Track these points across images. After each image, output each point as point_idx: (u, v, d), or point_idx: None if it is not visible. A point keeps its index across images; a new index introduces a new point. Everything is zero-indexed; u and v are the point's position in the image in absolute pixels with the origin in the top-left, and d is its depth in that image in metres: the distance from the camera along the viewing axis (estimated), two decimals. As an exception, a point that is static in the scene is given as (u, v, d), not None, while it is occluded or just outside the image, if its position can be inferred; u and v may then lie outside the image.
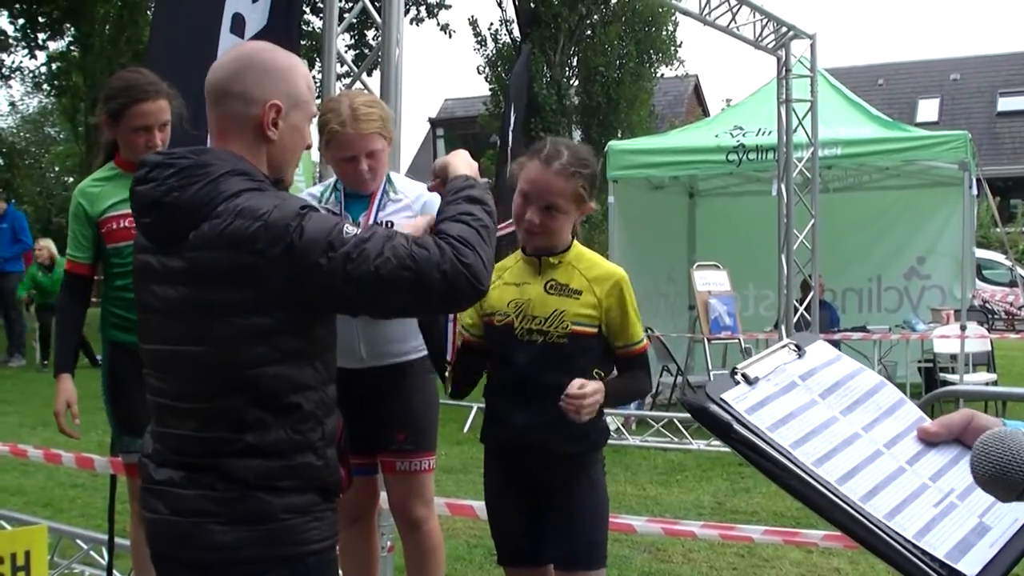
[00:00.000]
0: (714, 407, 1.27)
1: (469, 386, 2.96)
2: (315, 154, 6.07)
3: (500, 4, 22.55)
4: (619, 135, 19.99)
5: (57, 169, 37.25)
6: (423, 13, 22.11)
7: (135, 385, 2.53)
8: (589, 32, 21.83)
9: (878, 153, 9.78)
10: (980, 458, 1.17)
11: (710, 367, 8.90)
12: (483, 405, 2.89)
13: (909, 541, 1.18)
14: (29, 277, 12.77)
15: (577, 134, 21.85)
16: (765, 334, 9.78)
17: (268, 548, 1.92)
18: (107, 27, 20.92)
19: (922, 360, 10.04)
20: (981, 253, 17.17)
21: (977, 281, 16.60)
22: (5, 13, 20.70)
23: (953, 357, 9.56)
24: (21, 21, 21.09)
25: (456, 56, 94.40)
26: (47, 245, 12.88)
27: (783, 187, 8.86)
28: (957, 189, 10.20)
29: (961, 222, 10.13)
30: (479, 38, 22.85)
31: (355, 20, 12.73)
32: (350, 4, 14.20)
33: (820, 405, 1.34)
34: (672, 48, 22.94)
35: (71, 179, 33.60)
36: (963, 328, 9.30)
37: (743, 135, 10.01)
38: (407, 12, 20.30)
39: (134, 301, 2.12)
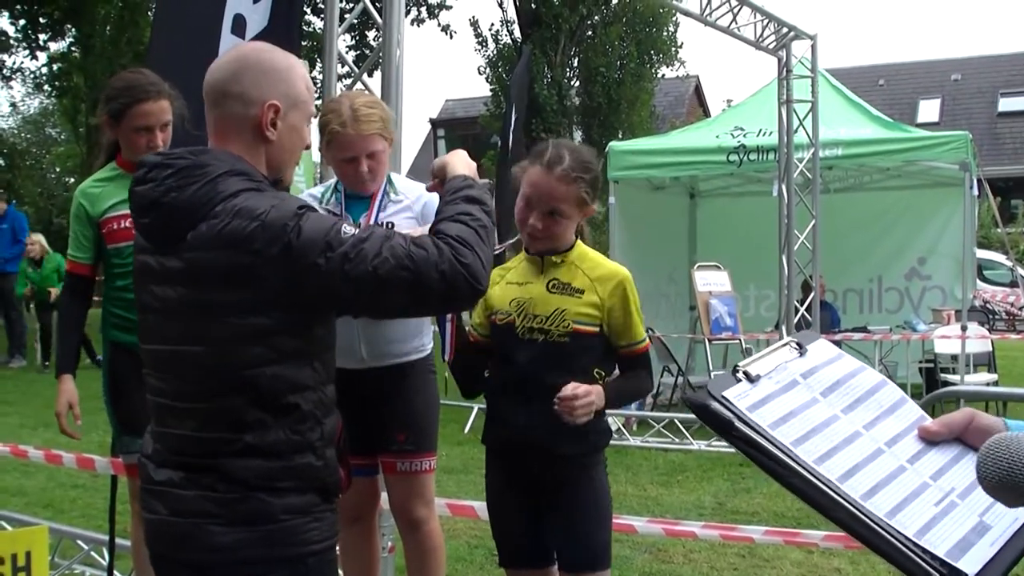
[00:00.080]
0: (716, 404, 1.27)
1: (474, 383, 2.95)
2: (316, 155, 6.08)
3: (501, 5, 22.59)
4: (620, 136, 20.01)
5: (58, 170, 37.28)
6: (424, 14, 22.11)
7: (136, 386, 2.53)
8: (590, 33, 21.85)
9: (879, 154, 9.79)
10: (987, 464, 1.16)
11: (711, 368, 8.90)
12: (484, 406, 2.89)
13: (910, 539, 1.18)
14: (21, 272, 12.76)
15: (578, 135, 21.86)
16: (766, 335, 9.77)
17: (268, 549, 1.92)
18: (108, 28, 20.94)
19: (923, 360, 10.04)
20: (982, 253, 17.16)
21: (978, 281, 16.59)
22: (6, 14, 20.73)
23: (954, 358, 9.56)
24: (22, 22, 21.12)
25: (457, 57, 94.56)
26: (39, 239, 12.86)
27: (784, 188, 8.86)
28: (958, 189, 10.20)
29: (962, 222, 10.14)
30: (480, 39, 22.88)
31: (356, 21, 12.71)
32: (351, 5, 14.19)
33: (821, 403, 1.34)
34: (673, 49, 22.96)
35: (72, 180, 33.61)
36: (964, 328, 9.29)
37: (744, 136, 10.01)
38: (408, 13, 20.30)
39: (134, 301, 2.12)
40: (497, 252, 3.25)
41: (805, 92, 8.96)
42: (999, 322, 18.69)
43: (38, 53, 22.33)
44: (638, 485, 6.72)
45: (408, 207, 3.32)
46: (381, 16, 4.29)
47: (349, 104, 3.21)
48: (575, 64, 22.10)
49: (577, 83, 22.16)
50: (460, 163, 2.22)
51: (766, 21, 8.58)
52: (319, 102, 5.24)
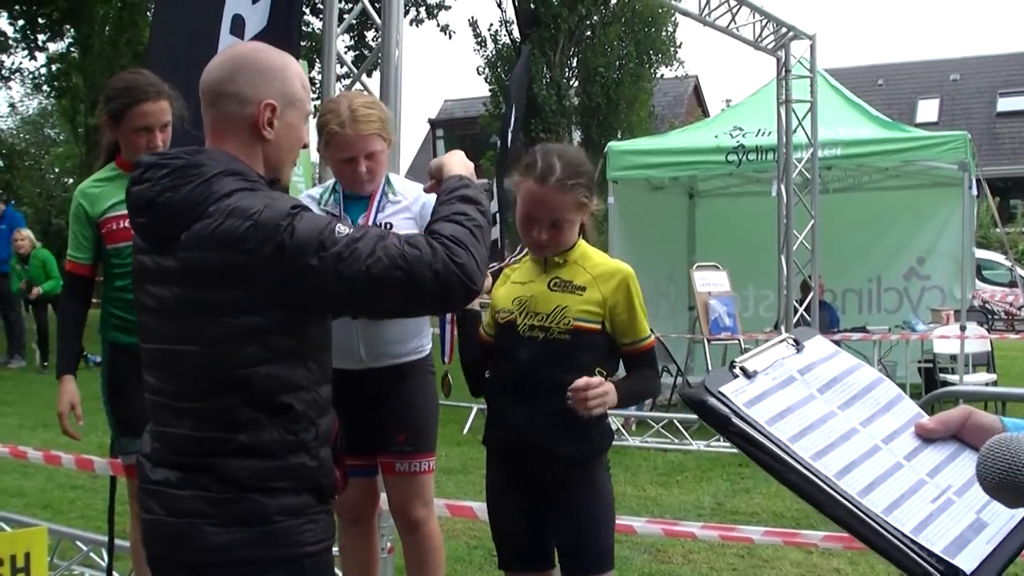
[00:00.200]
0: (712, 400, 1.27)
1: (480, 380, 2.94)
2: (315, 155, 6.08)
3: (500, 5, 22.63)
4: (619, 136, 20.01)
5: (57, 170, 37.26)
6: (423, 14, 22.13)
7: (135, 386, 2.52)
8: (589, 33, 21.86)
9: (878, 154, 9.79)
10: (987, 465, 1.15)
11: (710, 368, 8.89)
12: (483, 406, 2.89)
13: (907, 536, 1.18)
14: (12, 269, 12.69)
15: (577, 135, 21.88)
16: (765, 335, 9.76)
17: (264, 549, 1.92)
18: (107, 28, 20.95)
19: (922, 360, 10.04)
20: (981, 253, 17.16)
21: (977, 281, 16.61)
22: (5, 14, 20.72)
23: (953, 357, 9.56)
24: (21, 22, 21.11)
25: (456, 57, 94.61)
26: (28, 235, 12.80)
27: (783, 188, 8.87)
28: (957, 189, 10.21)
29: (961, 222, 10.14)
30: (479, 39, 22.91)
31: (355, 21, 12.75)
32: (350, 5, 14.22)
33: (818, 400, 1.34)
34: (672, 49, 22.99)
35: (71, 180, 33.61)
36: (963, 328, 9.29)
37: (743, 136, 10.02)
38: (407, 13, 20.32)
39: (134, 302, 2.13)
40: (493, 270, 3.25)
41: (804, 92, 8.97)
42: (998, 322, 18.72)
43: (37, 53, 22.34)
44: (637, 485, 6.72)
45: (407, 208, 3.32)
46: (380, 16, 4.29)
47: (348, 104, 3.20)
48: (574, 64, 22.12)
49: (576, 83, 22.17)
50: (457, 163, 2.23)
51: (765, 21, 8.59)
52: (318, 103, 5.25)
